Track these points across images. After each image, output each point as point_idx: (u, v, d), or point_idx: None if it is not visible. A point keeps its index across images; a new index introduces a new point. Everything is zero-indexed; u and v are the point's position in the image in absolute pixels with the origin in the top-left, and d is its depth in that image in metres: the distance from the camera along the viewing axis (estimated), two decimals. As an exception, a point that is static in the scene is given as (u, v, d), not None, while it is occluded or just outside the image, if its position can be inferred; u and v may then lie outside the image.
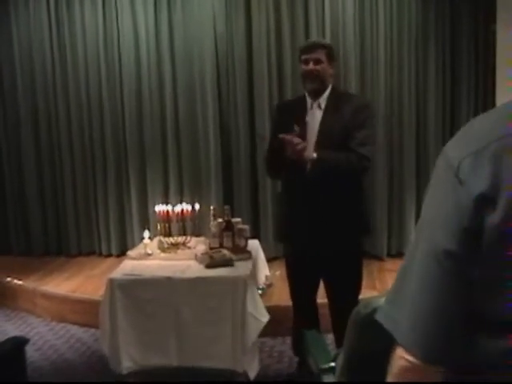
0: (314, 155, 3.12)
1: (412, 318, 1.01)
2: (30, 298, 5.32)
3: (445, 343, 1.00)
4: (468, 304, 0.98)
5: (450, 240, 0.97)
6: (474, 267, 0.96)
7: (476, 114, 5.70)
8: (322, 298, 3.64)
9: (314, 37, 5.71)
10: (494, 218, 0.93)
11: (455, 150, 1.04)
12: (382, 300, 1.78)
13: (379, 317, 1.09)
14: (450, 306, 0.98)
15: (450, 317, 0.99)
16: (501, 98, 5.24)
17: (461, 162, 0.99)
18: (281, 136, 3.07)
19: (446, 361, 1.00)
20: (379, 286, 5.02)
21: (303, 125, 3.27)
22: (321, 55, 3.29)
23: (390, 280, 5.22)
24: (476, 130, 1.06)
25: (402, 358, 1.03)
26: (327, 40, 5.54)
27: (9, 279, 5.56)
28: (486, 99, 5.76)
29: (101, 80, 6.19)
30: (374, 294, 4.67)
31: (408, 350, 1.01)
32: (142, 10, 6.06)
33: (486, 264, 0.95)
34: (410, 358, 1.01)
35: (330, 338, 3.57)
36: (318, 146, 3.22)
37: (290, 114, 3.39)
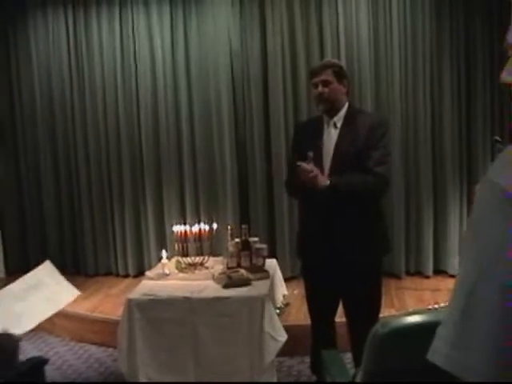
0: (327, 182, 3.12)
1: (496, 359, 0.97)
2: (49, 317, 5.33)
3: None
4: None
5: None
6: None
7: (492, 129, 5.68)
8: (340, 316, 3.63)
9: (329, 53, 5.75)
10: None
11: (504, 177, 1.00)
12: (400, 319, 1.78)
13: (442, 362, 1.02)
14: None
15: None
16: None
17: None
18: (297, 164, 3.10)
19: None
20: (397, 305, 4.99)
21: (320, 144, 3.28)
22: (328, 76, 3.30)
23: (407, 298, 5.20)
24: None
25: None
26: (341, 56, 5.60)
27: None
28: (502, 114, 5.73)
29: (117, 99, 6.24)
30: (392, 312, 4.66)
31: None
32: (158, 29, 6.13)
33: None
34: None
35: (348, 357, 3.56)
36: (334, 165, 3.22)
37: (308, 134, 3.41)
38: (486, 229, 1.02)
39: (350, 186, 3.16)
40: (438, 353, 1.04)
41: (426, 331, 1.70)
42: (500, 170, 1.02)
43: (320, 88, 3.29)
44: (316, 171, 3.10)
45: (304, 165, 3.08)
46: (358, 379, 1.97)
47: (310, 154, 3.14)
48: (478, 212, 1.04)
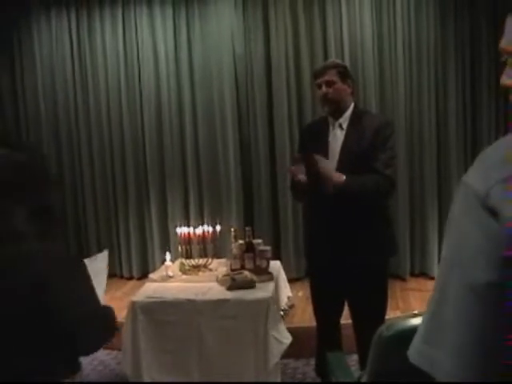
0: (343, 178, 3.10)
1: (457, 356, 0.98)
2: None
3: (495, 376, 0.97)
4: None
5: (489, 271, 0.95)
6: None
7: (497, 134, 5.67)
8: (345, 318, 3.62)
9: (332, 55, 5.74)
10: None
11: (478, 180, 1.02)
12: (405, 321, 1.77)
13: (413, 356, 1.06)
14: (497, 338, 0.96)
15: (500, 349, 0.97)
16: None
17: (488, 191, 0.97)
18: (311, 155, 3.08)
19: None
20: (402, 306, 4.97)
21: (325, 146, 3.27)
22: (332, 76, 3.28)
23: (412, 300, 5.18)
24: (497, 159, 1.04)
25: None
26: (345, 58, 5.59)
27: None
28: (507, 115, 5.72)
29: (121, 101, 6.25)
30: (397, 313, 4.64)
31: None
32: (161, 31, 6.14)
33: None
34: None
35: (353, 359, 3.54)
36: (340, 166, 3.20)
37: (313, 136, 3.39)
38: (456, 228, 1.05)
39: (363, 186, 3.14)
40: (413, 348, 1.07)
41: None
42: (474, 173, 1.05)
43: (324, 88, 3.27)
44: (332, 165, 3.08)
45: (318, 157, 3.06)
46: (363, 381, 1.96)
47: (297, 155, 3.15)
48: (452, 212, 1.07)
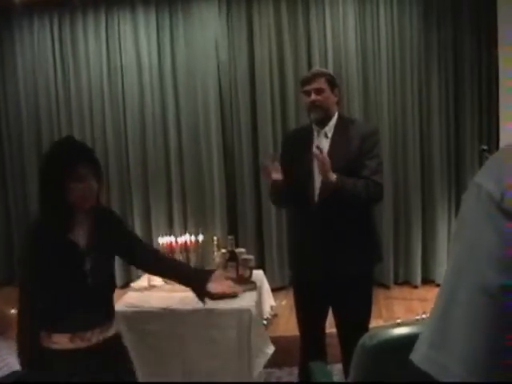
0: (334, 177, 3.09)
1: (467, 360, 0.97)
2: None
3: (508, 379, 0.96)
4: None
5: (504, 274, 0.94)
6: None
7: (480, 138, 5.71)
8: (330, 327, 3.60)
9: (317, 63, 5.77)
10: None
11: (491, 182, 1.00)
12: (388, 331, 1.76)
13: (419, 361, 1.04)
14: (510, 341, 0.95)
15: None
16: (504, 120, 5.25)
17: (504, 193, 0.96)
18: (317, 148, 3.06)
19: None
20: (385, 315, 4.97)
21: (310, 155, 3.25)
22: (321, 84, 3.28)
23: (396, 308, 5.18)
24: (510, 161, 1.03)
25: None
26: (329, 67, 5.61)
27: (13, 311, 5.52)
28: (490, 121, 5.76)
29: (104, 110, 6.23)
30: (380, 322, 4.64)
31: None
32: (145, 41, 6.12)
33: None
34: None
35: (337, 368, 3.53)
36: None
37: (297, 145, 3.37)
38: (469, 230, 1.02)
39: (354, 187, 3.13)
40: (418, 352, 1.04)
41: (413, 343, 1.69)
42: (487, 175, 1.02)
43: (313, 96, 3.26)
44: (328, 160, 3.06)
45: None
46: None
47: (273, 153, 3.14)
48: (464, 212, 1.05)
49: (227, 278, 2.67)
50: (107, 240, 2.39)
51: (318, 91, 3.27)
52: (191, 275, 2.58)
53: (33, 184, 6.39)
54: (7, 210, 6.61)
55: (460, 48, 5.80)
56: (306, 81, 3.34)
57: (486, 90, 5.79)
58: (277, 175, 3.15)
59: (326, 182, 3.10)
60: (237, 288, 2.74)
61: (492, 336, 0.95)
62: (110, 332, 2.41)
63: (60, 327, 2.28)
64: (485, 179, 1.02)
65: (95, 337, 2.32)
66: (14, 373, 3.21)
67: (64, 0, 6.15)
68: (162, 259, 2.69)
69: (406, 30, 5.83)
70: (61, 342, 2.28)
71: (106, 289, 2.43)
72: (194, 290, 2.51)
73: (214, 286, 2.46)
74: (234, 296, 3.65)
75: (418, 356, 1.03)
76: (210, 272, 2.55)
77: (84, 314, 2.28)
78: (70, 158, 2.26)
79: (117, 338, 2.48)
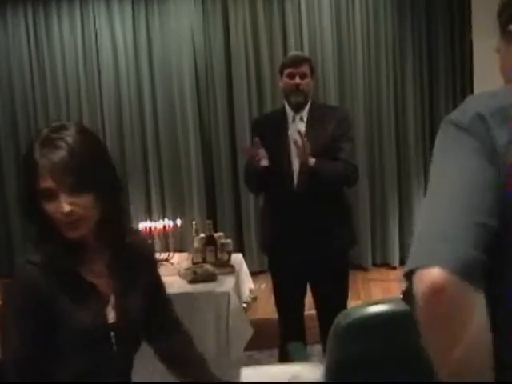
0: (313, 161, 3.11)
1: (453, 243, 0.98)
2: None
3: (480, 253, 0.95)
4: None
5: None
6: None
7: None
8: (308, 309, 3.64)
9: (292, 47, 5.77)
10: None
11: (455, 112, 1.06)
12: (362, 310, 1.78)
13: (413, 264, 1.05)
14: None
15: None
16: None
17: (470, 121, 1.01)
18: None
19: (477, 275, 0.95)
20: (364, 297, 5.03)
21: (286, 139, 3.27)
22: (306, 69, 3.30)
23: (374, 289, 5.24)
24: (486, 96, 1.07)
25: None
26: (303, 50, 5.64)
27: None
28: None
29: (80, 97, 6.19)
30: (359, 303, 4.68)
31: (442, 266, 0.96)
32: (120, 25, 6.09)
33: None
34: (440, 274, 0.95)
35: (318, 348, 3.57)
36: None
37: (272, 129, 3.37)
38: (439, 161, 1.07)
39: (333, 169, 3.18)
40: (418, 255, 1.06)
41: (386, 321, 1.73)
42: (462, 111, 1.06)
43: (298, 79, 3.27)
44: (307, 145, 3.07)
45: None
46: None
47: (256, 139, 3.14)
48: (434, 150, 1.08)
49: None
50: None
51: (302, 76, 3.29)
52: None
53: (9, 178, 6.30)
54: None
55: (434, 34, 5.85)
56: (292, 64, 3.33)
57: (460, 76, 5.84)
58: (265, 162, 3.16)
59: (304, 167, 3.13)
60: None
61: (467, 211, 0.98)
62: None
63: None
64: (452, 114, 1.07)
65: None
66: None
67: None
68: (182, 343, 1.92)
69: (381, 15, 5.85)
70: None
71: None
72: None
73: None
74: (212, 280, 3.69)
75: (409, 263, 1.06)
76: None
77: None
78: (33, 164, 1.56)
79: None
